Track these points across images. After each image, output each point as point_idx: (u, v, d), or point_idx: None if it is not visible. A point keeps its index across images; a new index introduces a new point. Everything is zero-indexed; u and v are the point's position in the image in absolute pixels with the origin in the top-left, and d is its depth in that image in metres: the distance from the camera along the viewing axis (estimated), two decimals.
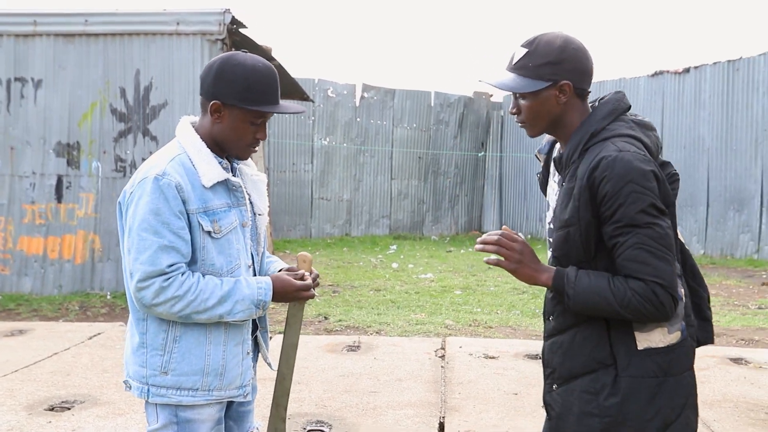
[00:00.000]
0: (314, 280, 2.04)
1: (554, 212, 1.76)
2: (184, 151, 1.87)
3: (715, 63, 10.96)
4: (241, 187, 1.94)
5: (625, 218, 1.58)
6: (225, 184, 1.90)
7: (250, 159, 2.05)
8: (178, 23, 7.23)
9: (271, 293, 1.89)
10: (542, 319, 1.89)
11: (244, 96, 1.83)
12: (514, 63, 1.73)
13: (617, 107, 1.72)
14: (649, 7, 34.75)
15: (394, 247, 12.38)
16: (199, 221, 1.83)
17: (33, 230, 7.31)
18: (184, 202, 1.82)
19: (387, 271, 9.34)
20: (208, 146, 1.90)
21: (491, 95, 15.13)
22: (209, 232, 1.84)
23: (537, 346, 5.22)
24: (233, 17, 7.16)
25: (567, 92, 1.70)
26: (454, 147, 14.58)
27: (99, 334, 5.36)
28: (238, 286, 1.85)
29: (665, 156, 11.56)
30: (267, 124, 1.94)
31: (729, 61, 10.75)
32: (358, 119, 13.72)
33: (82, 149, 7.36)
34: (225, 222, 1.88)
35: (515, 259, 1.68)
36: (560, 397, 1.75)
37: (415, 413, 3.65)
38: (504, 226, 1.79)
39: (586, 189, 1.63)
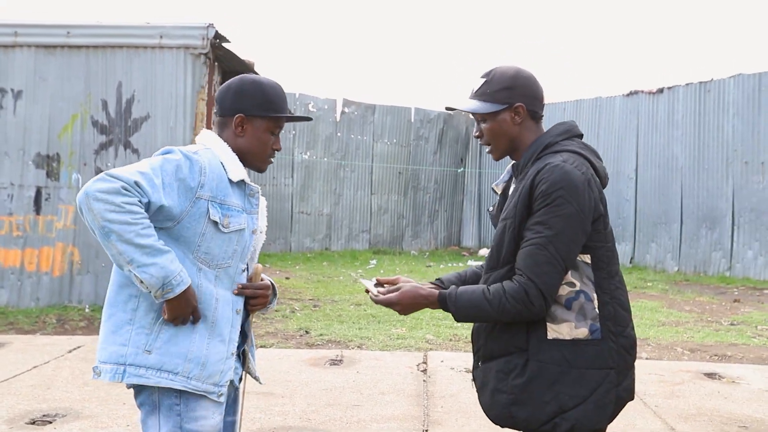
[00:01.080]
0: (263, 289, 2.07)
1: (500, 210, 2.02)
2: (210, 148, 2.00)
3: (687, 84, 11.27)
4: (258, 193, 2.07)
5: (543, 218, 1.80)
6: (243, 189, 2.01)
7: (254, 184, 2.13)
8: (161, 36, 7.25)
9: (181, 289, 1.81)
10: None
11: (265, 106, 2.03)
12: (475, 91, 2.02)
13: (570, 129, 1.99)
14: (625, 28, 35.54)
15: (374, 261, 12.42)
16: (209, 208, 1.90)
17: (10, 242, 7.22)
18: (201, 186, 1.89)
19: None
20: None
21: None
22: (216, 223, 1.91)
23: None
24: (216, 32, 7.20)
25: (521, 113, 1.96)
26: (433, 162, 14.72)
27: (79, 347, 5.30)
28: (170, 255, 1.82)
29: (641, 174, 11.81)
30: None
31: (701, 82, 11.06)
32: (339, 134, 13.80)
33: (62, 161, 7.31)
34: (234, 221, 1.96)
35: (396, 307, 1.94)
36: (482, 373, 1.97)
37: (399, 426, 3.69)
38: (376, 278, 2.08)
39: (528, 189, 1.85)
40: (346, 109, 13.88)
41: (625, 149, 12.09)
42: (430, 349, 5.70)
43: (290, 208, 13.32)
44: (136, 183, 1.79)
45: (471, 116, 2.10)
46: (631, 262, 11.86)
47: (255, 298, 2.06)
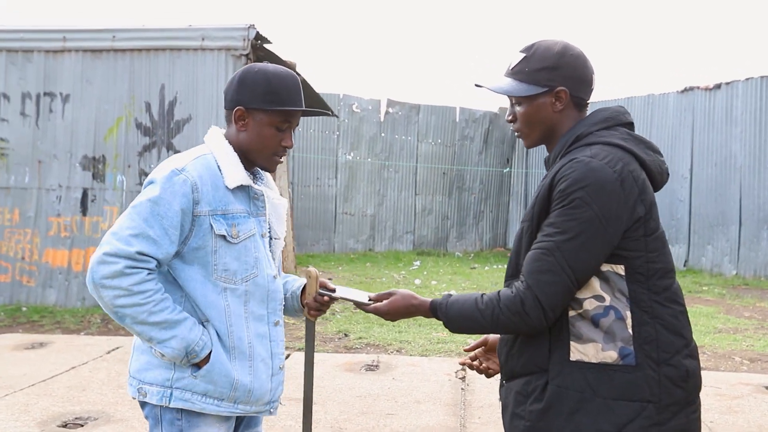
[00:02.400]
0: (322, 299, 1.96)
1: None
2: (210, 152, 1.85)
3: (747, 79, 10.71)
4: (263, 196, 1.90)
5: (556, 219, 1.55)
6: (247, 192, 1.87)
7: (273, 182, 2.02)
8: (203, 39, 7.29)
9: (206, 353, 1.78)
10: None
11: (267, 98, 1.82)
12: (511, 68, 1.72)
13: (613, 117, 1.66)
14: (680, 22, 34.35)
15: (418, 263, 12.27)
16: (211, 223, 1.78)
17: (58, 242, 7.38)
18: (196, 203, 1.76)
19: (410, 288, 9.22)
20: None
21: None
22: (224, 236, 1.78)
23: None
24: (257, 33, 7.20)
25: (563, 99, 1.67)
26: (479, 163, 14.47)
27: (117, 348, 5.35)
28: (187, 322, 1.76)
29: (696, 173, 11.31)
30: (293, 133, 1.91)
31: (762, 77, 10.50)
32: (383, 134, 13.70)
33: (107, 163, 7.44)
34: (243, 228, 1.83)
35: (386, 316, 1.80)
36: (505, 392, 1.75)
37: None
38: (369, 296, 1.89)
39: (547, 188, 1.60)
40: (391, 110, 13.78)
41: (679, 148, 11.60)
42: None
43: (334, 209, 13.30)
44: (138, 253, 1.70)
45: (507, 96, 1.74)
46: (685, 266, 11.37)
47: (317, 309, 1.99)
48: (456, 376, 4.76)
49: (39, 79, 7.50)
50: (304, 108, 1.88)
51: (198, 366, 1.79)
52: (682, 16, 34.13)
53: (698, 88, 11.38)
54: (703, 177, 11.27)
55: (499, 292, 1.62)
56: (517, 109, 1.71)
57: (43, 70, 7.50)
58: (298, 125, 1.93)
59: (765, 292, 9.38)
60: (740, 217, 10.72)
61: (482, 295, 1.65)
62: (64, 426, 3.59)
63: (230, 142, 1.88)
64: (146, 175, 7.36)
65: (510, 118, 1.76)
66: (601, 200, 1.52)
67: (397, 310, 1.77)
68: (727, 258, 10.90)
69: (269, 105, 1.83)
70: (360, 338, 6.03)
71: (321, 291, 1.95)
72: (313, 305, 1.97)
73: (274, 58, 7.65)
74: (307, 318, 2.01)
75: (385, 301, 1.80)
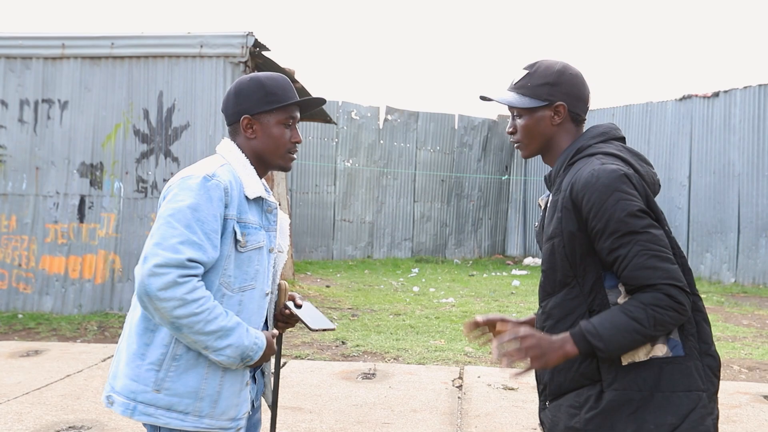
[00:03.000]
0: (285, 312, 2.00)
1: (543, 231, 1.79)
2: (228, 162, 1.89)
3: (745, 87, 10.74)
4: (276, 209, 1.95)
5: (622, 227, 1.57)
6: (260, 205, 1.90)
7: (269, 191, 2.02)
8: (201, 46, 7.30)
9: (259, 355, 1.81)
10: None
11: (267, 100, 1.91)
12: (514, 83, 1.84)
13: (608, 132, 1.78)
14: (678, 30, 34.45)
15: (416, 270, 12.25)
16: (234, 228, 1.80)
17: (55, 249, 7.36)
18: (226, 207, 1.79)
19: (408, 295, 9.21)
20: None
21: None
22: (238, 242, 1.81)
23: None
24: (256, 40, 7.21)
25: (561, 113, 1.78)
26: (477, 170, 14.48)
27: (113, 356, 5.32)
28: (240, 328, 1.77)
29: (694, 181, 11.31)
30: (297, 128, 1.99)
31: (760, 85, 10.53)
32: (382, 141, 13.71)
33: (105, 170, 7.43)
34: (252, 239, 1.84)
35: (539, 355, 1.59)
36: (551, 413, 1.74)
37: None
38: (501, 321, 1.81)
39: (569, 201, 1.65)
40: (389, 117, 13.79)
41: (678, 155, 11.61)
42: (469, 362, 5.50)
43: (332, 216, 13.30)
44: (188, 260, 1.70)
45: (507, 109, 1.88)
46: None
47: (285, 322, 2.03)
48: (453, 385, 4.74)
49: (37, 86, 7.50)
50: (300, 99, 1.94)
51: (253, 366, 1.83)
52: (681, 25, 34.23)
53: (696, 96, 11.40)
54: (701, 185, 11.27)
55: (635, 297, 1.56)
56: (518, 121, 1.82)
57: (42, 76, 7.51)
58: (299, 120, 2.00)
59: (764, 300, 9.36)
60: (739, 224, 10.72)
61: (619, 307, 1.58)
62: None
63: (243, 153, 1.92)
64: (144, 182, 7.36)
65: (511, 129, 1.85)
66: (632, 192, 1.59)
67: (550, 360, 1.59)
68: (725, 265, 10.89)
69: (271, 105, 1.90)
70: (357, 346, 6.00)
71: (286, 304, 2.01)
72: (279, 318, 2.02)
73: (272, 66, 7.66)
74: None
75: (540, 359, 1.59)
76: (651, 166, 1.77)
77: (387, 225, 13.77)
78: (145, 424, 1.84)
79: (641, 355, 1.58)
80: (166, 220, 1.74)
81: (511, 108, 1.82)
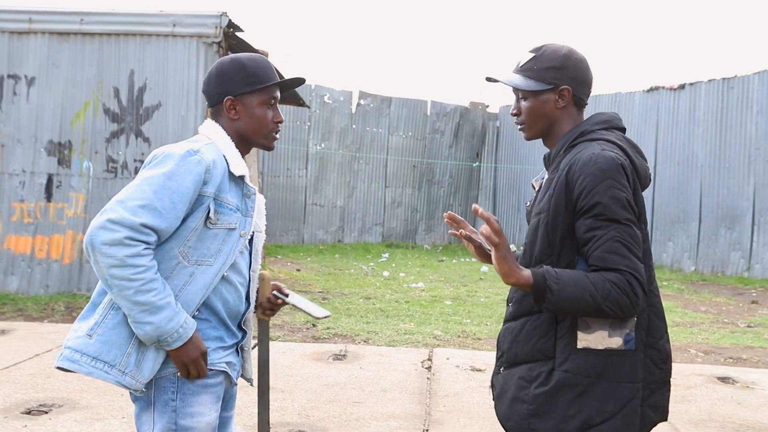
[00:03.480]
0: (276, 301, 2.06)
1: (533, 207, 1.83)
2: (213, 142, 1.91)
3: (710, 80, 11.01)
4: (255, 195, 1.96)
5: (607, 212, 1.63)
6: (241, 187, 1.91)
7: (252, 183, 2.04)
8: (174, 25, 7.21)
9: (178, 345, 1.76)
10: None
11: (250, 80, 1.93)
12: (520, 66, 1.86)
13: (611, 120, 1.82)
14: (646, 22, 34.96)
15: (386, 255, 12.34)
16: (210, 206, 1.82)
17: (21, 229, 7.24)
18: (204, 184, 1.81)
19: (378, 279, 9.30)
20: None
21: (487, 106, 15.16)
22: (209, 219, 1.82)
23: None
24: (230, 21, 7.15)
25: (566, 97, 1.81)
26: (449, 156, 14.59)
27: None
28: (167, 311, 1.73)
29: (659, 171, 11.59)
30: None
31: (724, 78, 10.80)
32: (354, 126, 13.72)
33: (73, 148, 7.31)
34: (225, 219, 1.85)
35: (505, 248, 1.63)
36: (502, 379, 1.82)
37: (399, 425, 3.61)
38: (448, 212, 1.96)
39: (564, 180, 1.70)
40: (362, 101, 13.79)
41: (644, 146, 11.86)
42: (438, 345, 5.62)
43: (303, 200, 13.29)
44: (142, 225, 1.70)
45: (512, 91, 1.90)
46: None
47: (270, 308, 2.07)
48: (422, 366, 4.84)
49: (3, 61, 7.32)
50: (282, 80, 1.96)
51: (172, 353, 1.77)
52: (650, 17, 34.75)
53: (664, 87, 11.65)
54: (665, 175, 11.55)
55: (601, 273, 1.62)
56: (523, 103, 1.85)
57: (7, 51, 7.33)
58: (279, 100, 2.02)
59: (721, 287, 9.69)
60: (700, 214, 11.04)
61: (583, 272, 1.64)
62: (28, 413, 3.55)
63: (227, 133, 1.95)
64: (114, 162, 7.27)
65: (515, 111, 1.88)
66: (624, 183, 1.66)
67: (507, 263, 1.62)
68: (686, 254, 11.21)
69: (253, 86, 1.92)
70: (328, 328, 6.07)
71: (276, 294, 2.06)
72: (266, 305, 2.07)
73: (246, 47, 7.60)
74: (260, 318, 2.10)
75: (505, 250, 1.62)
76: (645, 159, 1.82)
77: (358, 210, 13.81)
78: (136, 402, 1.85)
79: (597, 343, 1.66)
80: (139, 182, 1.76)
81: (515, 90, 1.85)
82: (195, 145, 1.85)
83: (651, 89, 11.77)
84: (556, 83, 1.80)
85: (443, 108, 14.53)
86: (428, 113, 14.40)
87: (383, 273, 9.93)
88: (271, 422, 3.55)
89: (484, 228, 1.61)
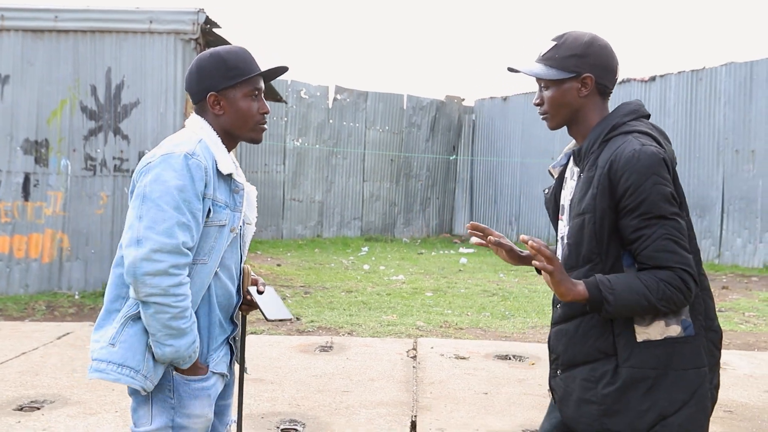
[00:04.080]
0: (246, 298, 2.04)
1: (571, 204, 1.81)
2: (202, 138, 1.90)
3: (679, 72, 11.27)
4: (243, 190, 1.96)
5: (654, 210, 1.65)
6: (229, 184, 1.92)
7: (242, 172, 2.06)
8: (151, 21, 7.18)
9: (186, 367, 1.83)
10: (551, 308, 1.94)
11: (231, 74, 1.90)
12: (542, 55, 1.84)
13: (638, 110, 1.82)
14: (617, 15, 35.48)
15: (366, 248, 12.42)
16: (210, 207, 1.85)
17: None
18: (206, 186, 1.83)
19: (358, 273, 9.38)
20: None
21: (463, 99, 15.30)
22: (206, 219, 1.85)
23: (507, 347, 5.32)
24: (207, 17, 7.14)
25: (588, 85, 1.79)
26: (426, 150, 14.70)
27: (68, 333, 5.29)
28: (189, 338, 1.80)
29: None
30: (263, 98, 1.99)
31: (693, 70, 11.07)
32: (331, 121, 13.75)
33: (50, 147, 7.25)
34: (216, 216, 1.87)
35: (560, 271, 1.67)
36: (563, 383, 1.81)
37: (388, 412, 3.71)
38: (471, 222, 1.91)
39: (606, 178, 1.69)
40: (339, 96, 13.82)
41: None
42: (421, 335, 5.72)
43: (282, 195, 13.30)
44: (183, 245, 1.75)
45: (535, 81, 1.88)
46: None
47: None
48: (408, 355, 4.95)
49: None
50: (263, 71, 1.95)
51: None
52: (621, 10, 35.26)
53: (635, 80, 11.89)
54: None
55: (651, 271, 1.65)
56: (545, 93, 1.83)
57: None
58: (263, 91, 2.00)
59: None
60: None
61: (634, 273, 1.67)
62: (20, 409, 3.57)
63: (213, 129, 1.94)
64: (92, 160, 7.22)
65: (538, 101, 1.87)
66: (667, 177, 1.68)
67: (564, 284, 1.66)
68: None
69: (235, 80, 1.90)
70: (312, 322, 6.14)
71: (248, 289, 2.06)
72: (243, 301, 2.06)
73: (223, 43, 7.59)
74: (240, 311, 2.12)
75: (559, 273, 1.66)
76: (671, 143, 1.84)
77: (336, 204, 13.86)
78: (133, 396, 1.89)
79: (656, 334, 1.67)
80: (155, 202, 1.76)
81: (538, 80, 1.84)
82: (188, 145, 1.85)
83: (623, 81, 12.00)
84: (578, 71, 1.78)
85: (419, 102, 14.63)
86: (404, 107, 14.49)
87: (363, 266, 10.02)
88: (262, 412, 3.63)
89: (536, 262, 1.65)
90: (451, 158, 15.09)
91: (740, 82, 10.42)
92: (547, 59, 1.82)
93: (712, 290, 1.83)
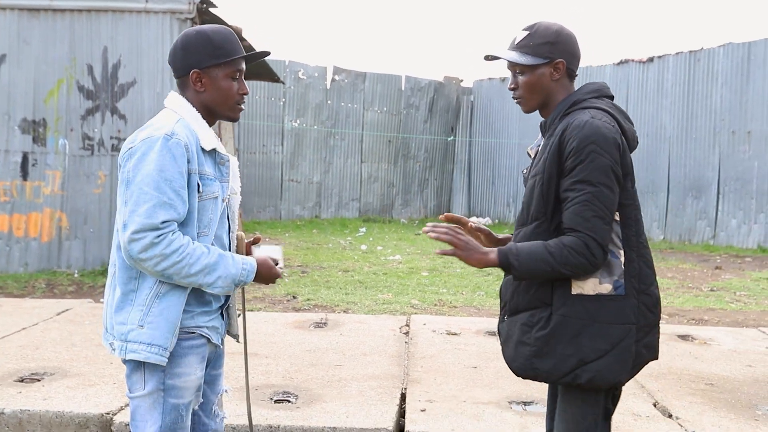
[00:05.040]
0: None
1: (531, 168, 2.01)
2: (181, 117, 1.97)
3: (677, 53, 11.26)
4: (228, 162, 2.05)
5: (581, 175, 1.82)
6: (214, 157, 2.01)
7: (221, 143, 2.13)
8: (147, 1, 7.18)
9: (253, 276, 1.98)
10: None
11: (216, 53, 1.98)
12: (516, 43, 2.01)
13: (601, 89, 2.00)
14: None
15: (364, 229, 12.50)
16: (198, 181, 1.93)
17: None
18: (188, 162, 1.91)
19: (356, 253, 9.46)
20: None
21: (461, 80, 15.27)
22: (199, 193, 1.94)
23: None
24: None
25: (560, 70, 1.97)
26: (424, 131, 14.72)
27: (67, 310, 5.38)
28: (224, 261, 1.93)
29: None
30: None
31: (691, 51, 11.06)
32: (329, 102, 13.75)
33: (48, 126, 7.30)
34: (208, 189, 1.97)
35: (465, 247, 1.89)
36: (507, 327, 2.03)
37: (379, 384, 3.80)
38: (446, 213, 2.08)
39: (557, 145, 1.87)
40: (337, 77, 13.80)
41: None
42: (415, 313, 5.81)
43: (280, 176, 13.34)
44: (162, 222, 1.84)
45: (507, 67, 2.05)
46: None
47: None
48: (400, 332, 5.04)
49: None
50: (248, 53, 2.03)
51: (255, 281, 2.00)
52: None
53: (633, 60, 11.88)
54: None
55: (559, 239, 1.84)
56: (520, 78, 2.00)
57: None
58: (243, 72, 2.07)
59: (688, 254, 10.05)
60: (668, 185, 11.37)
61: (543, 242, 1.86)
62: (21, 381, 3.66)
63: (193, 105, 2.01)
64: (90, 139, 7.27)
65: (512, 86, 2.03)
66: (609, 150, 1.83)
67: (473, 256, 1.88)
68: (656, 224, 11.55)
69: (219, 59, 1.98)
70: (308, 300, 6.22)
71: (252, 249, 2.17)
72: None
73: (219, 23, 7.60)
74: None
75: (464, 250, 1.88)
76: (632, 123, 2.00)
77: (335, 185, 13.91)
78: (127, 363, 1.98)
79: (589, 289, 1.86)
80: (138, 186, 1.86)
81: (513, 66, 2.00)
82: (167, 126, 1.91)
83: (621, 62, 11.99)
84: (551, 57, 1.95)
85: (417, 83, 14.62)
86: (403, 88, 14.48)
87: (361, 247, 10.10)
88: (256, 384, 3.72)
89: (437, 250, 1.91)
90: (449, 139, 15.11)
91: (738, 63, 10.42)
92: (521, 47, 1.98)
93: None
